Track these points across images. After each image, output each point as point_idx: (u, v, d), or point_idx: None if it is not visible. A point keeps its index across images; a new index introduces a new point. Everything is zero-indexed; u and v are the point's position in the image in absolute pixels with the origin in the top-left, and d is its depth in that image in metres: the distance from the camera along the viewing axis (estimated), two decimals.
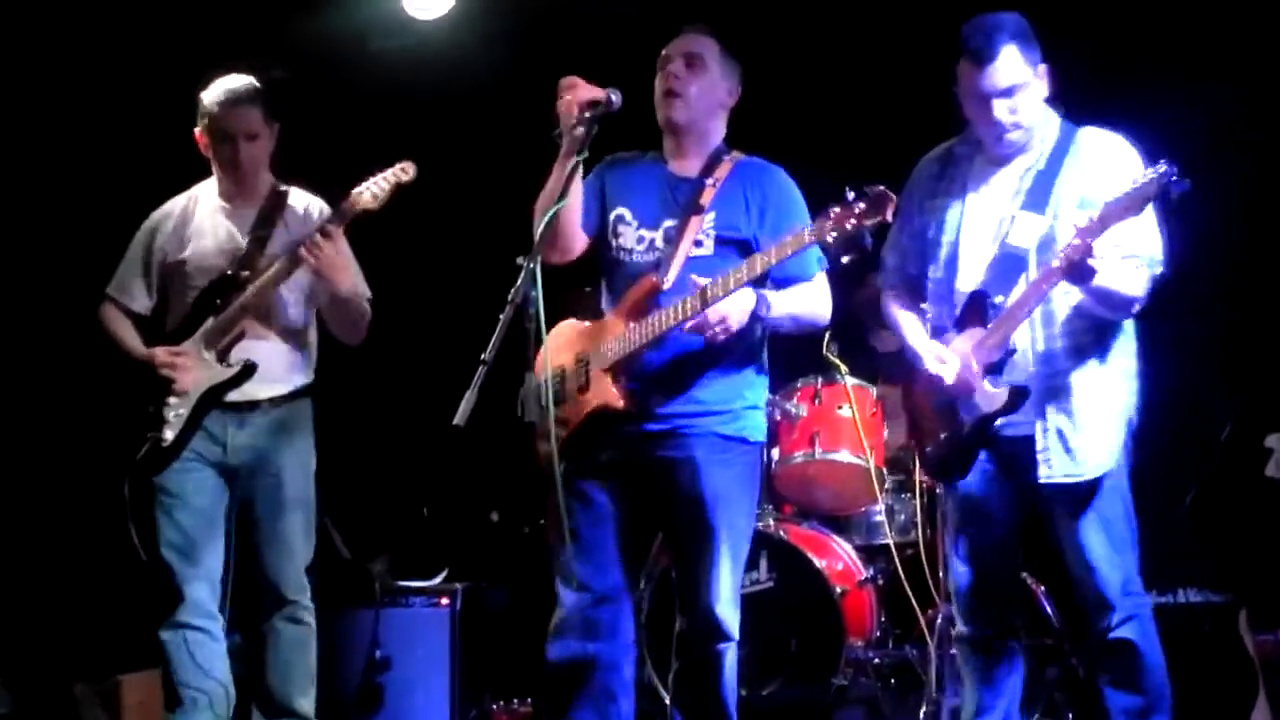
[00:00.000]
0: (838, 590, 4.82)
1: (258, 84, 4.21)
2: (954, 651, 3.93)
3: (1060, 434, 3.45)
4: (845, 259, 3.31)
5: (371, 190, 4.07)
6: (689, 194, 3.67)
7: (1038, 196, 3.46)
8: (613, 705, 3.64)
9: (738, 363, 3.65)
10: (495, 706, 5.26)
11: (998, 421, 3.46)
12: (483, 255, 4.29)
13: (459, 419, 3.03)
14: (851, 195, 3.24)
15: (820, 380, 5.19)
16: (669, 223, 3.66)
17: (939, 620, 4.64)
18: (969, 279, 3.53)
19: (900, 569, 4.93)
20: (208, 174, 4.32)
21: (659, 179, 3.74)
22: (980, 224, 3.54)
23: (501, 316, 3.14)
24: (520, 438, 3.56)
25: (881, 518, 5.13)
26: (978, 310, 3.48)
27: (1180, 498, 4.71)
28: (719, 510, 3.57)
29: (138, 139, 5.38)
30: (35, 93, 5.39)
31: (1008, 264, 3.47)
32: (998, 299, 3.45)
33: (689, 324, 3.47)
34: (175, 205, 4.33)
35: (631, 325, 3.58)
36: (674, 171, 3.74)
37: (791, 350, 4.28)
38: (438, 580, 5.11)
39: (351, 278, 4.18)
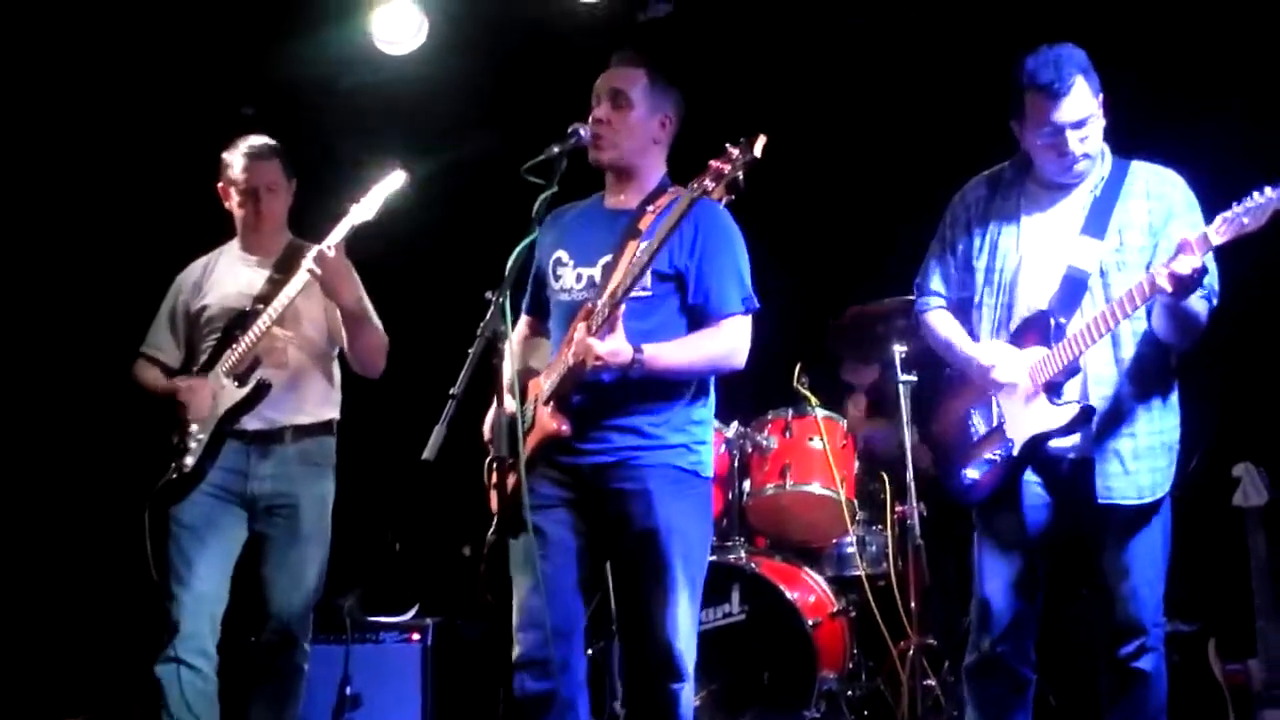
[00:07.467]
0: (810, 622, 4.82)
1: (276, 143, 4.41)
2: (952, 679, 3.83)
3: (1119, 456, 3.49)
4: (723, 201, 3.47)
5: (365, 202, 4.16)
6: (626, 223, 3.64)
7: (1097, 222, 3.53)
8: None
9: (683, 392, 3.60)
10: None
11: (1051, 442, 3.49)
12: (453, 289, 4.30)
13: (428, 453, 3.02)
14: (727, 146, 3.32)
15: (791, 412, 5.21)
16: (606, 258, 3.62)
17: (911, 652, 4.65)
18: (1031, 300, 3.57)
19: (872, 600, 4.94)
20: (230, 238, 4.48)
21: (597, 217, 3.72)
22: (1043, 247, 3.59)
23: (471, 351, 3.15)
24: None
25: (853, 549, 5.14)
26: (1039, 329, 3.53)
27: None
28: (675, 543, 3.51)
29: (155, 190, 5.66)
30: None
31: (1072, 287, 3.52)
32: (1061, 320, 3.50)
33: (583, 360, 3.43)
34: (199, 263, 4.50)
35: (562, 352, 3.56)
36: (611, 207, 3.72)
37: (762, 382, 4.27)
38: (409, 615, 5.08)
39: (357, 290, 4.26)
